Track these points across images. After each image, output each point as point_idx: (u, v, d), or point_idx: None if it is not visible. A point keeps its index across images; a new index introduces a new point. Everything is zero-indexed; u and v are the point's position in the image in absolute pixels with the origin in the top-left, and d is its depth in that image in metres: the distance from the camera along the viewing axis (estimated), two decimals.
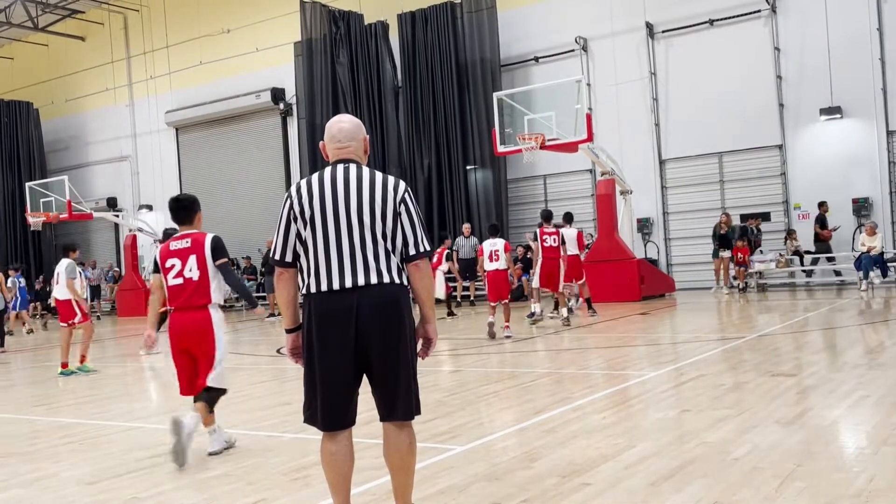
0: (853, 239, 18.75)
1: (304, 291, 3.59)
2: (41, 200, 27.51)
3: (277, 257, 3.64)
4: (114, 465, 5.52)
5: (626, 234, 19.74)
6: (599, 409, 6.47)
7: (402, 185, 3.68)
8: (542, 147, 18.48)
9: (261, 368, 11.16)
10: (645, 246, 21.92)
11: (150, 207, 31.35)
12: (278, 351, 12.70)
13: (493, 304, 12.66)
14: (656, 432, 5.56)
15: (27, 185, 28.77)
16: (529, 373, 8.91)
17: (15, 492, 5.04)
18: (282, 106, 27.92)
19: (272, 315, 18.80)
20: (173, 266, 5.73)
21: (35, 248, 32.58)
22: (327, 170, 3.67)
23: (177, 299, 5.71)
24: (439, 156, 24.21)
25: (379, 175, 3.64)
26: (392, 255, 3.59)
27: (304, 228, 3.56)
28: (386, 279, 3.53)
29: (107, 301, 29.17)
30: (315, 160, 25.83)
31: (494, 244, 12.67)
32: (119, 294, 26.83)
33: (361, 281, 3.50)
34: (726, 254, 19.06)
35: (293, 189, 3.64)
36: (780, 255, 19.54)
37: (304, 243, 3.57)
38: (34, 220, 27.20)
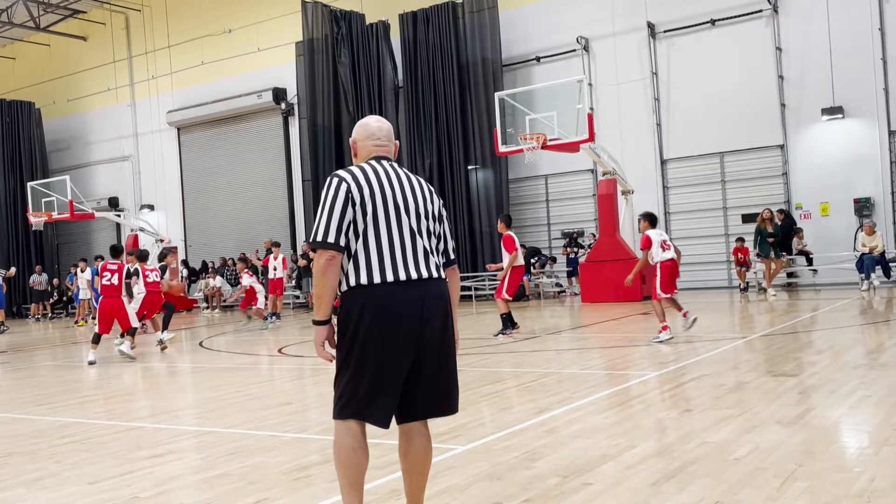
0: (854, 239, 18.73)
1: (353, 283, 3.44)
2: (43, 200, 27.58)
3: (332, 240, 3.41)
4: (115, 465, 5.52)
5: (628, 233, 19.74)
6: (601, 409, 6.47)
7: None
8: (544, 147, 18.50)
9: (261, 368, 11.18)
10: None
11: (151, 207, 31.39)
12: (280, 351, 12.71)
13: (666, 295, 11.18)
14: (658, 432, 5.56)
15: (29, 184, 28.85)
16: (531, 373, 8.90)
17: (16, 491, 5.04)
18: (283, 106, 27.93)
19: (275, 315, 18.43)
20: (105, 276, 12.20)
21: (36, 248, 32.60)
22: (374, 164, 3.62)
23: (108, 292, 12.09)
24: (440, 155, 24.20)
25: (420, 178, 3.75)
26: (439, 252, 3.69)
27: (363, 218, 3.46)
28: (441, 274, 3.63)
29: None
30: (316, 160, 25.84)
31: (662, 234, 11.35)
32: None
33: (426, 273, 3.51)
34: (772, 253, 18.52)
35: (348, 177, 3.50)
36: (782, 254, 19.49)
37: (358, 233, 3.46)
38: (35, 220, 27.25)
